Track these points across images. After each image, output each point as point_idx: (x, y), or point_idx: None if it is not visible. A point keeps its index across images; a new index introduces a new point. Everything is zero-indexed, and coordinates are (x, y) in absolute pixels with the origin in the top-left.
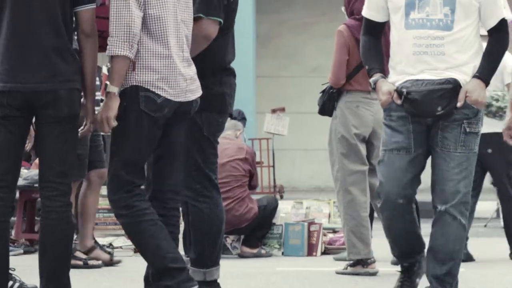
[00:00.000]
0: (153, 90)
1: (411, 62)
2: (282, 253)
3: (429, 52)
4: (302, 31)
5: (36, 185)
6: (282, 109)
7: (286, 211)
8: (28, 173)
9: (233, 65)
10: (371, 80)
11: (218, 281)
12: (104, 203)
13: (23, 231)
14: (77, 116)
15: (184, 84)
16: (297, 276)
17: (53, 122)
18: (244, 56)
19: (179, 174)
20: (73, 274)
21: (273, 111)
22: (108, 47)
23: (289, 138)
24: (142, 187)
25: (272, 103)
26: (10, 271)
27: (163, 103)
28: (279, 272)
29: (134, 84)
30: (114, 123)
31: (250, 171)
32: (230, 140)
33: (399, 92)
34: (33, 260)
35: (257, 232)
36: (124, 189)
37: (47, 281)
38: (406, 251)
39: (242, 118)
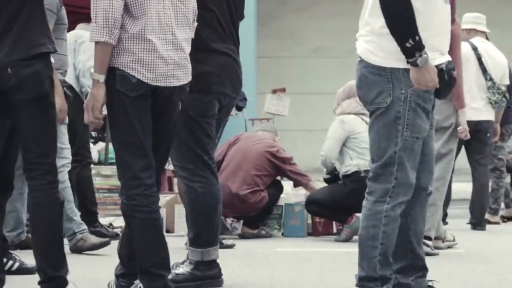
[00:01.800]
0: (128, 71)
1: (446, 39)
2: (282, 234)
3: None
4: (304, 11)
5: None
6: (283, 90)
7: (286, 191)
8: None
9: None
10: (424, 56)
11: (218, 261)
12: (104, 183)
13: None
14: (47, 94)
15: (164, 69)
16: (297, 256)
17: (24, 106)
18: (245, 36)
19: (164, 161)
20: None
21: (274, 91)
22: (90, 34)
23: (290, 119)
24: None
25: (273, 83)
26: (10, 251)
27: (138, 84)
28: (279, 253)
29: (112, 66)
30: (101, 115)
31: (279, 168)
32: (265, 136)
33: (447, 72)
34: None
35: (259, 214)
36: (128, 175)
37: (41, 259)
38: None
39: (243, 98)
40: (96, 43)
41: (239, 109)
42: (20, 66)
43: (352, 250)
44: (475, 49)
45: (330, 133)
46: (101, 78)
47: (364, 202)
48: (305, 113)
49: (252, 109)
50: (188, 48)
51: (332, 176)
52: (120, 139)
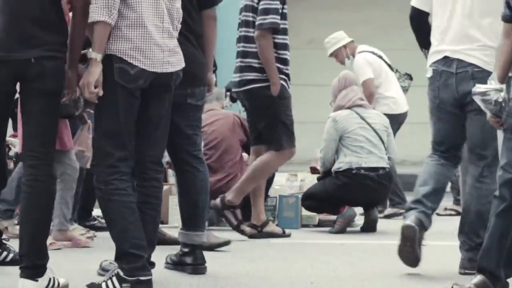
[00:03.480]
0: (126, 59)
1: None
2: (276, 225)
3: None
4: (298, 3)
5: None
6: None
7: (280, 183)
8: None
9: (229, 37)
10: None
11: (213, 251)
12: None
13: (18, 202)
14: (61, 89)
15: (160, 55)
16: (291, 248)
17: (39, 95)
18: None
19: (161, 145)
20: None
21: None
22: (89, 14)
23: None
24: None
25: None
26: (4, 241)
27: (136, 74)
28: (273, 244)
29: (109, 53)
30: (96, 90)
31: (242, 139)
32: (217, 111)
33: None
34: None
35: (251, 205)
36: (106, 163)
37: (28, 246)
38: None
39: None
40: (96, 23)
41: (234, 100)
42: (44, 59)
43: (346, 241)
44: (373, 52)
45: (325, 134)
46: (99, 57)
47: (479, 185)
48: (299, 104)
49: None
50: (175, 39)
51: (324, 175)
52: (104, 129)
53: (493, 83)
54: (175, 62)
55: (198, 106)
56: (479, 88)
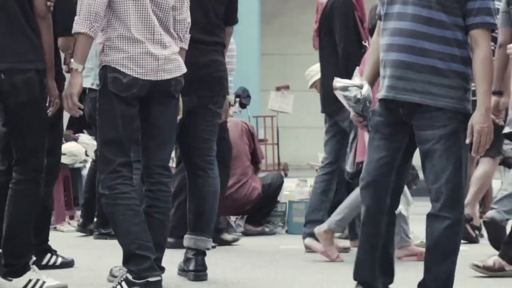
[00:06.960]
0: (119, 68)
1: None
2: (286, 231)
3: None
4: (307, 8)
5: None
6: (287, 87)
7: (290, 189)
8: None
9: (238, 43)
10: None
11: (223, 257)
12: None
13: None
14: (39, 99)
15: (154, 64)
16: (301, 254)
17: (16, 109)
18: (249, 33)
19: (167, 150)
20: (80, 250)
21: (278, 88)
22: (73, 26)
23: (294, 116)
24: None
25: (277, 80)
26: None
27: (129, 83)
28: (282, 250)
29: (104, 64)
30: (76, 101)
31: (250, 146)
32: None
33: None
34: None
35: (261, 210)
36: (109, 169)
37: (5, 244)
38: None
39: (246, 95)
40: (77, 34)
41: (243, 106)
42: (14, 73)
43: (355, 248)
44: None
45: None
46: (80, 68)
47: None
48: (308, 110)
49: (256, 107)
50: (176, 48)
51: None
52: (104, 137)
53: (356, 79)
54: (172, 69)
55: (217, 113)
56: (339, 82)
